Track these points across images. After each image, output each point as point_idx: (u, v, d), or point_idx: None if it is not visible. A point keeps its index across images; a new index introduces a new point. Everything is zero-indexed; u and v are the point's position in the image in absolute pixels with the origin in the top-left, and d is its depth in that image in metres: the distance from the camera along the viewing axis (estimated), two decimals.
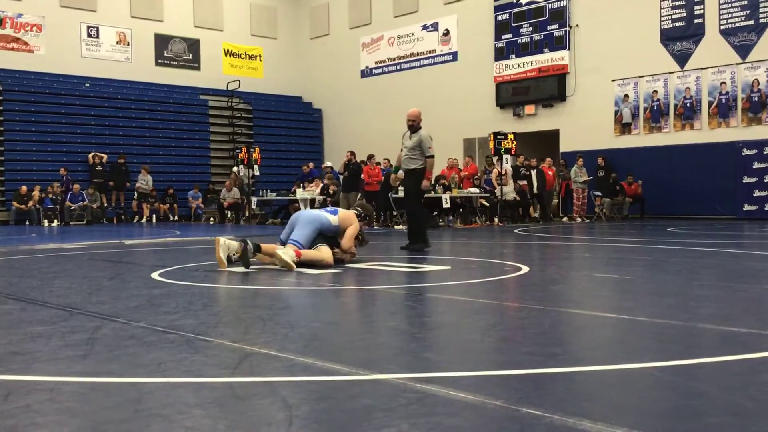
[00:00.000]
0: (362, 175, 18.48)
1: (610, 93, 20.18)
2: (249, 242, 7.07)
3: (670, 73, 19.14)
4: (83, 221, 20.82)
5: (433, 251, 9.11)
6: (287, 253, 6.81)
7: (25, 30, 22.89)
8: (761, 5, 17.58)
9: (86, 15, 23.99)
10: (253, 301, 5.23)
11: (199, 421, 2.25)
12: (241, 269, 6.94)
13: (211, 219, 22.21)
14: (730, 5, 18.06)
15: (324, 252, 7.10)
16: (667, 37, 19.12)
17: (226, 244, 7.11)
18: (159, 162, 24.08)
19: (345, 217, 7.56)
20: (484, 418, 2.26)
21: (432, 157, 9.24)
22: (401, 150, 9.41)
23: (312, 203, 18.53)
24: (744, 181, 17.65)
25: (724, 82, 18.21)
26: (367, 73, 26.35)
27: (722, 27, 18.21)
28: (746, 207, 17.61)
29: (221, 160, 25.90)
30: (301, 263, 6.90)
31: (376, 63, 25.99)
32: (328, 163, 20.73)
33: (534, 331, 3.74)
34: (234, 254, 7.09)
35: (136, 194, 22.60)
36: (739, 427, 2.16)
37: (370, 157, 18.90)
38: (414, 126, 9.24)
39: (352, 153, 18.38)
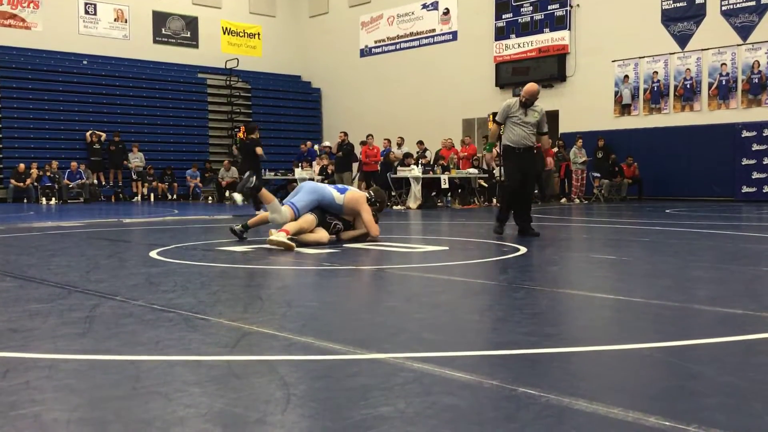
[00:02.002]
0: (361, 155, 18.47)
1: (610, 74, 20.10)
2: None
3: (670, 54, 19.05)
4: (80, 199, 20.81)
5: (431, 232, 9.12)
6: (279, 235, 6.74)
7: (22, 6, 22.71)
8: None
9: None
10: (251, 280, 5.24)
11: (197, 399, 2.26)
12: (243, 247, 6.94)
13: (210, 198, 22.20)
14: None
15: (302, 219, 7.08)
16: (668, 18, 19.01)
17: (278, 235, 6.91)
18: (157, 141, 24.03)
19: (352, 198, 7.37)
20: (481, 398, 2.27)
21: (548, 133, 8.78)
22: (497, 124, 8.61)
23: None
24: (743, 163, 17.63)
25: (725, 64, 18.14)
26: (366, 52, 26.21)
27: (723, 8, 18.11)
28: (745, 189, 17.61)
29: (219, 139, 25.83)
30: (293, 238, 6.87)
31: (376, 42, 25.85)
32: (327, 143, 20.67)
33: (531, 312, 3.75)
34: (242, 225, 7.37)
35: (133, 173, 22.56)
36: (735, 407, 2.18)
37: (369, 136, 18.85)
38: (531, 102, 8.39)
39: (345, 133, 18.34)
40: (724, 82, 18.20)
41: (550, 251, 6.99)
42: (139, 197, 22.26)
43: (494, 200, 17.48)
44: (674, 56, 19.00)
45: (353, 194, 7.46)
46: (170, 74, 25.06)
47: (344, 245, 7.11)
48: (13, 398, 2.28)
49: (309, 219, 7.12)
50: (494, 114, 17.77)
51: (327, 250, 6.71)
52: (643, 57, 19.52)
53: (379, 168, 18.06)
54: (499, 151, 8.79)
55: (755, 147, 17.46)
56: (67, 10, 23.46)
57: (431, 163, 18.05)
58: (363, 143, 18.61)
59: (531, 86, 8.49)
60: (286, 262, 6.10)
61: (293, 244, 6.70)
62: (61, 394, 2.35)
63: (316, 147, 21.46)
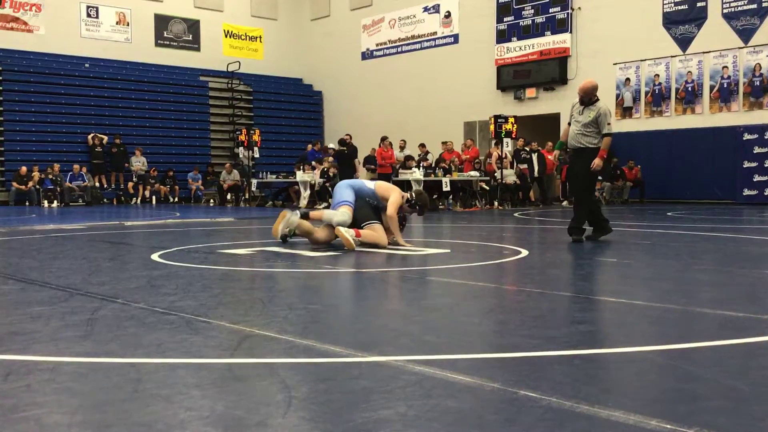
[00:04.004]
0: (376, 157, 18.63)
1: (612, 76, 20.10)
2: (298, 210, 7.49)
3: (672, 56, 19.05)
4: (80, 202, 20.82)
5: (432, 234, 9.12)
6: (348, 231, 6.89)
7: (24, 10, 22.75)
8: None
9: None
10: (253, 283, 5.24)
11: (198, 402, 2.26)
12: (248, 250, 6.95)
13: (211, 201, 22.22)
14: None
15: (379, 231, 7.14)
16: (670, 21, 19.02)
17: (290, 220, 7.25)
18: (159, 143, 24.04)
19: (382, 185, 7.62)
20: (482, 401, 2.27)
21: (610, 135, 8.00)
22: (568, 124, 8.28)
23: (312, 187, 18.53)
24: (744, 166, 17.62)
25: (726, 66, 18.14)
26: (367, 55, 26.23)
27: (725, 11, 18.11)
28: (746, 192, 17.59)
29: (221, 142, 25.85)
30: (360, 242, 7.04)
31: (377, 45, 25.87)
32: (330, 145, 20.69)
33: (532, 315, 3.75)
34: (289, 230, 7.34)
35: (134, 176, 22.59)
36: (736, 410, 2.17)
37: (384, 138, 18.86)
38: (588, 100, 8.05)
39: (350, 135, 18.40)
40: (725, 85, 18.20)
41: (552, 254, 6.98)
42: (139, 199, 22.27)
43: (495, 203, 17.49)
44: (676, 59, 19.00)
45: (383, 182, 7.79)
46: (172, 77, 25.09)
47: (346, 248, 7.10)
48: (14, 401, 2.28)
49: (383, 237, 7.16)
50: (496, 117, 17.88)
51: (329, 253, 6.70)
52: (645, 60, 19.52)
53: (392, 170, 18.07)
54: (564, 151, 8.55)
55: (757, 150, 17.44)
56: (69, 13, 23.50)
57: (433, 165, 18.06)
58: (375, 148, 18.68)
59: (585, 82, 8.23)
60: (287, 265, 6.10)
61: (355, 246, 6.88)
62: (62, 397, 2.35)
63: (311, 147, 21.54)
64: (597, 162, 7.83)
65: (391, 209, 7.21)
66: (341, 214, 7.17)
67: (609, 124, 7.98)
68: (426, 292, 4.67)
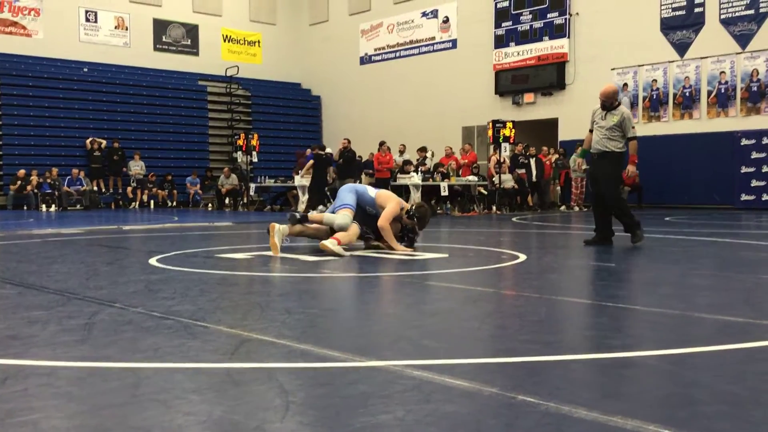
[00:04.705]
0: (373, 162, 18.61)
1: (610, 82, 20.10)
2: (296, 214, 7.51)
3: (669, 62, 19.09)
4: (78, 207, 20.80)
5: (430, 239, 9.11)
6: (331, 242, 6.90)
7: (23, 14, 22.77)
8: None
9: None
10: (251, 287, 5.23)
11: (196, 407, 2.26)
12: (246, 255, 6.94)
13: (209, 205, 22.21)
14: None
15: (350, 230, 7.20)
16: (667, 26, 19.06)
17: (281, 230, 7.20)
18: (157, 148, 24.05)
19: (383, 193, 7.65)
20: (480, 406, 2.27)
21: (636, 138, 8.08)
22: (590, 131, 8.28)
23: (311, 191, 18.52)
24: (742, 171, 17.65)
25: (724, 72, 18.18)
26: (366, 60, 26.27)
27: (722, 16, 18.16)
28: (744, 197, 17.62)
29: (219, 147, 25.86)
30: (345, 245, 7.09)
31: (376, 50, 25.90)
32: (328, 150, 20.70)
33: (530, 319, 3.75)
34: (285, 238, 7.31)
35: (133, 180, 22.59)
36: (734, 415, 2.17)
37: (382, 143, 18.87)
38: (609, 104, 8.07)
39: (348, 140, 18.40)
40: (723, 90, 18.24)
41: (550, 259, 6.99)
42: (137, 204, 22.26)
43: (493, 208, 17.49)
44: (673, 64, 19.04)
45: (384, 191, 7.81)
46: (170, 82, 25.11)
47: (350, 253, 7.10)
48: (11, 405, 2.28)
49: (356, 231, 7.29)
50: (494, 121, 17.90)
51: (327, 258, 6.70)
52: (642, 65, 19.56)
53: (390, 175, 18.07)
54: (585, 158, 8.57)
55: (754, 155, 17.47)
56: (67, 17, 23.51)
57: (431, 170, 18.07)
58: (376, 152, 18.70)
59: (606, 87, 8.26)
60: (285, 269, 6.10)
61: (344, 253, 6.88)
62: (59, 401, 2.34)
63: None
64: (632, 169, 8.02)
65: (383, 220, 7.25)
66: (342, 217, 7.20)
67: (633, 127, 8.06)
68: (424, 297, 4.67)
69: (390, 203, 7.36)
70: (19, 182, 20.31)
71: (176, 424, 2.11)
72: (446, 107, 23.24)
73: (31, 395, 2.39)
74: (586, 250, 7.48)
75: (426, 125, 23.38)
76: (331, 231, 7.23)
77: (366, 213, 7.43)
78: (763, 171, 17.39)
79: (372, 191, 7.60)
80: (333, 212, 7.37)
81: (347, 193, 7.51)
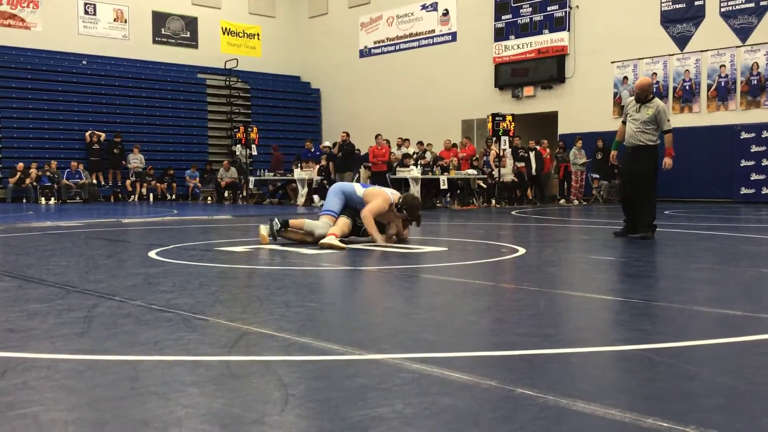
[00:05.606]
0: (369, 155, 18.57)
1: (610, 75, 20.11)
2: (276, 219, 7.36)
3: (669, 55, 19.07)
4: (77, 199, 20.80)
5: (429, 232, 9.12)
6: (329, 238, 6.90)
7: (21, 6, 22.71)
8: None
9: None
10: (250, 280, 5.24)
11: (195, 399, 2.26)
12: (245, 248, 6.95)
13: (209, 198, 22.21)
14: None
15: (339, 222, 7.25)
16: (667, 19, 19.03)
17: (270, 224, 7.33)
18: (156, 141, 24.03)
19: (372, 191, 7.48)
20: (479, 399, 2.27)
21: (671, 131, 8.10)
22: (623, 123, 8.26)
23: (310, 184, 18.53)
24: (741, 165, 17.65)
25: (724, 65, 18.15)
26: (365, 53, 26.22)
27: (722, 9, 18.12)
28: (743, 190, 17.63)
29: (219, 140, 25.83)
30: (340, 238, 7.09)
31: (375, 43, 25.85)
32: (326, 143, 20.69)
33: (529, 313, 3.75)
34: (273, 230, 7.35)
35: (132, 173, 22.58)
36: (733, 408, 2.18)
37: (377, 136, 18.86)
38: (644, 97, 8.04)
39: (347, 133, 18.38)
40: (723, 84, 18.22)
41: (549, 252, 6.99)
42: (137, 197, 22.25)
43: (493, 201, 17.49)
44: (673, 58, 19.01)
45: (374, 188, 7.64)
46: (170, 74, 25.06)
47: (347, 246, 7.10)
48: (10, 398, 2.28)
49: (347, 222, 7.31)
50: (494, 115, 17.89)
51: (326, 251, 6.70)
52: (642, 58, 19.53)
53: (386, 168, 18.07)
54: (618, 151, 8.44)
55: (754, 148, 17.47)
56: (66, 10, 23.45)
57: (430, 163, 18.06)
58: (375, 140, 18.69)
59: (641, 80, 8.22)
60: (284, 262, 6.10)
61: (344, 246, 6.87)
62: (59, 394, 2.35)
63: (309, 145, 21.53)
64: (668, 162, 8.07)
65: (365, 211, 7.26)
66: (322, 226, 7.19)
67: (668, 120, 8.09)
68: (423, 290, 4.68)
69: (376, 199, 7.33)
70: (18, 175, 20.33)
71: (175, 416, 2.11)
72: (446, 100, 23.21)
73: (31, 388, 2.40)
74: (585, 244, 7.49)
75: (425, 118, 23.36)
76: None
77: (357, 212, 7.42)
78: (763, 164, 17.40)
79: (360, 190, 7.49)
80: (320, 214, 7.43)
81: (332, 196, 7.45)
